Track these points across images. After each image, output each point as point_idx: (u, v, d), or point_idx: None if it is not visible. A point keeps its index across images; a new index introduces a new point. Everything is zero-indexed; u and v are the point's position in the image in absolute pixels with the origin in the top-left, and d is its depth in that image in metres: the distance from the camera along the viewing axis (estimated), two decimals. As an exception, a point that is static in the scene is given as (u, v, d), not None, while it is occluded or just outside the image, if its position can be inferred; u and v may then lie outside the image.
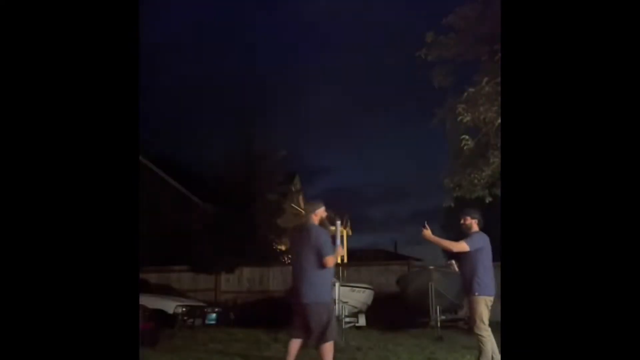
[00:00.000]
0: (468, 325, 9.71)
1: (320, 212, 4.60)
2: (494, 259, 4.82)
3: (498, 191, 8.43)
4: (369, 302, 10.73)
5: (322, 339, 4.30)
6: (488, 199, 8.67)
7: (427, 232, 4.81)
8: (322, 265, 4.35)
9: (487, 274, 4.94)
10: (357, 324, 10.16)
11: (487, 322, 4.87)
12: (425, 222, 4.83)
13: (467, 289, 4.95)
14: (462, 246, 4.91)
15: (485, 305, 4.90)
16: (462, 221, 5.14)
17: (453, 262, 5.40)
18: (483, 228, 5.16)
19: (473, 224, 5.08)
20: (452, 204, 9.32)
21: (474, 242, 4.93)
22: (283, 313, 10.79)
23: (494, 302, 13.12)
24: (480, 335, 4.83)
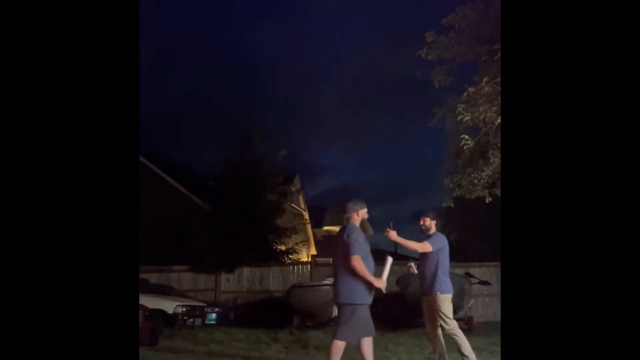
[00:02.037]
0: (468, 326, 9.74)
1: (363, 212, 4.48)
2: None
3: (498, 191, 8.43)
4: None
5: (336, 334, 4.32)
6: (488, 199, 8.67)
7: (392, 233, 4.85)
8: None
9: (446, 274, 5.07)
10: (357, 324, 10.14)
11: (451, 316, 5.00)
12: (391, 223, 4.88)
13: (428, 289, 5.03)
14: (426, 247, 5.01)
15: (448, 302, 5.01)
16: (421, 222, 5.24)
17: (412, 264, 5.47)
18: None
19: (432, 225, 5.20)
20: (452, 204, 9.32)
21: (436, 243, 5.06)
22: (283, 313, 10.85)
23: (494, 301, 13.09)
24: (451, 329, 4.93)
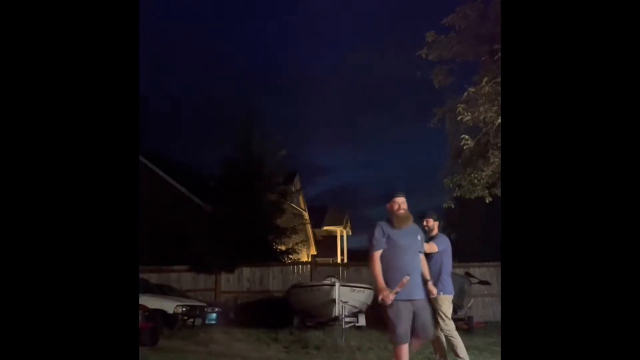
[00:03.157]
0: (468, 326, 9.74)
1: (391, 204, 4.19)
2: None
3: (498, 191, 8.43)
4: (369, 302, 10.72)
5: (392, 338, 4.04)
6: (488, 199, 8.67)
7: None
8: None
9: (448, 274, 5.10)
10: (357, 324, 10.16)
11: (450, 317, 5.03)
12: None
13: (429, 289, 5.01)
14: (432, 247, 5.03)
15: (449, 303, 5.04)
16: (424, 223, 5.24)
17: None
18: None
19: (435, 225, 5.22)
20: (452, 204, 9.32)
21: (441, 244, 5.09)
22: (283, 313, 10.86)
23: (494, 301, 13.12)
24: (448, 330, 4.95)
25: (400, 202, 4.18)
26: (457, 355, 4.92)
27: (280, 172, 15.92)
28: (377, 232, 4.11)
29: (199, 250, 13.29)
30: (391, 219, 4.17)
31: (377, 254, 4.08)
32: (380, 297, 3.96)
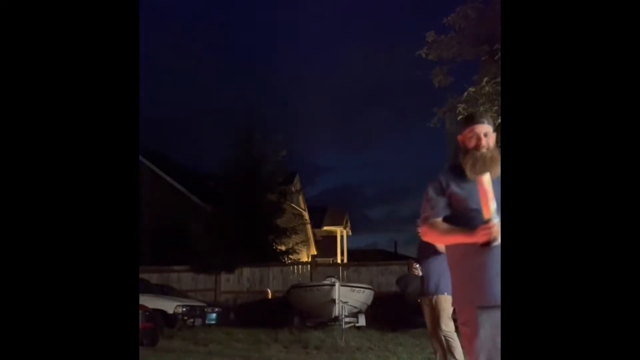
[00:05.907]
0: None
1: (465, 133, 2.37)
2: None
3: (498, 191, 8.42)
4: (369, 302, 10.74)
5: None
6: (488, 199, 8.67)
7: None
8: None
9: (448, 274, 5.05)
10: (357, 324, 10.16)
11: (450, 317, 4.98)
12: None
13: (433, 289, 5.01)
14: (440, 247, 5.01)
15: (449, 303, 4.97)
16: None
17: (417, 265, 5.45)
18: None
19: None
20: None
21: None
22: (283, 313, 10.86)
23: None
24: (449, 331, 4.92)
25: (485, 132, 2.37)
26: (453, 356, 4.90)
27: (280, 172, 15.92)
28: (432, 191, 2.41)
29: (199, 250, 13.29)
30: (465, 163, 2.35)
31: (435, 223, 2.39)
32: (481, 237, 2.25)
